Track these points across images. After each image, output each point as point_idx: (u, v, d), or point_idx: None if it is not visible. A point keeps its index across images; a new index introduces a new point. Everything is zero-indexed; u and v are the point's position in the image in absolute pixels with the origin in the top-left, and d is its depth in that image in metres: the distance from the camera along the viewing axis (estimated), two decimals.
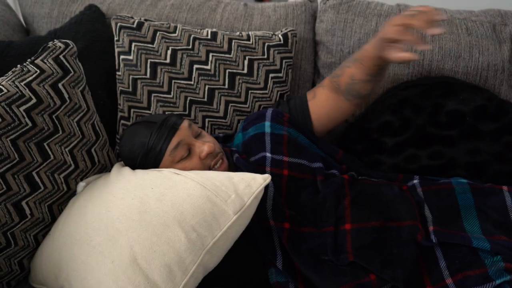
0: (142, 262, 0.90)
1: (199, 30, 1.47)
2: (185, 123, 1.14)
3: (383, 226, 1.10)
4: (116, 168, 1.13)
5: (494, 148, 1.33)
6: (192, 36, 1.44)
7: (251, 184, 0.99)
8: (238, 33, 1.48)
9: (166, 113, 1.40)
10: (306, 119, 1.31)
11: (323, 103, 1.30)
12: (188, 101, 1.41)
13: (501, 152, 1.33)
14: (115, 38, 1.44)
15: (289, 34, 1.47)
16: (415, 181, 1.24)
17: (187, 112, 1.41)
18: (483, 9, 1.55)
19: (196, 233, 0.93)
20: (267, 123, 1.27)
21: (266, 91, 1.44)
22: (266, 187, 1.12)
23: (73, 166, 1.13)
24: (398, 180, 1.27)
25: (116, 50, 1.43)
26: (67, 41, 1.16)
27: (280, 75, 1.45)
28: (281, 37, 1.47)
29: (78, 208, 1.05)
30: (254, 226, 1.09)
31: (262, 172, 1.16)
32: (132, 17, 1.47)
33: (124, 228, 0.94)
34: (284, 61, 1.45)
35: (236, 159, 1.20)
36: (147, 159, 1.11)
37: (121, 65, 1.42)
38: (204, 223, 0.94)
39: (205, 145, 1.12)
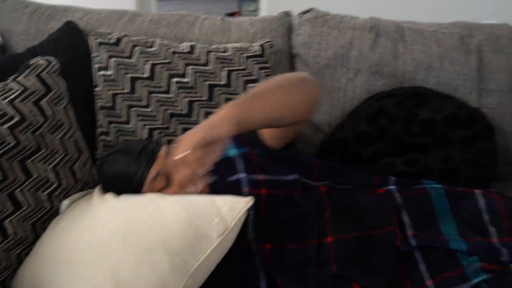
0: (126, 286, 0.90)
1: (177, 44, 1.49)
2: (163, 151, 1.14)
3: (362, 235, 1.13)
4: (98, 190, 1.14)
5: (465, 155, 1.38)
6: (171, 50, 1.46)
7: (234, 207, 0.99)
8: (216, 45, 1.51)
9: (146, 126, 1.42)
10: (253, 135, 1.27)
11: None
12: (167, 114, 1.43)
13: (471, 159, 1.38)
14: (94, 54, 1.45)
15: (266, 45, 1.51)
16: (392, 187, 1.27)
17: (167, 125, 1.43)
18: (451, 21, 1.61)
19: (180, 257, 0.93)
20: (230, 150, 1.24)
21: None
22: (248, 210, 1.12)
23: (56, 183, 1.13)
24: (376, 184, 1.30)
25: (95, 66, 1.44)
26: (49, 58, 1.17)
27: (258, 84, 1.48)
28: (258, 48, 1.50)
29: (61, 230, 1.05)
30: (235, 249, 1.08)
31: (239, 193, 1.15)
32: (110, 33, 1.49)
33: (107, 253, 0.94)
34: (262, 71, 1.49)
35: (216, 181, 1.20)
36: (127, 189, 1.12)
37: (100, 80, 1.43)
38: (188, 247, 0.94)
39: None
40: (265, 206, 1.16)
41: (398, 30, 1.55)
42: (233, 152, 1.24)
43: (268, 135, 1.26)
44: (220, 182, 1.19)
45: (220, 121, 0.95)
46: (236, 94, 1.45)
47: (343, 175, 1.31)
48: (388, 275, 1.08)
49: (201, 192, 1.13)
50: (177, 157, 0.92)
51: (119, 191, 1.12)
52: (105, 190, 1.14)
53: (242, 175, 1.19)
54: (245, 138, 1.26)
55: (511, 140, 1.51)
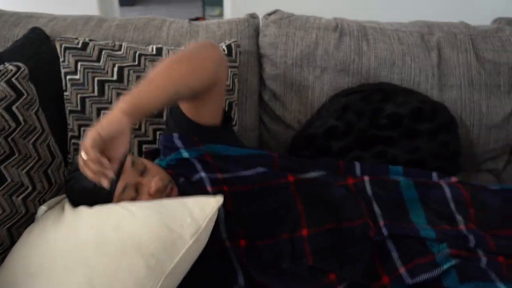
0: None
1: (144, 47, 1.50)
2: (128, 163, 1.11)
3: (336, 227, 1.15)
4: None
5: (430, 146, 1.44)
6: (138, 52, 1.47)
7: (205, 208, 1.00)
8: (183, 47, 1.52)
9: None
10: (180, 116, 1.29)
11: None
12: None
13: (437, 150, 1.44)
14: (61, 59, 1.44)
15: (232, 45, 1.53)
16: (362, 177, 1.28)
17: (137, 126, 1.44)
18: (411, 20, 1.68)
19: (155, 259, 0.94)
20: (183, 151, 1.24)
21: None
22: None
23: (30, 188, 1.12)
24: (341, 170, 1.32)
25: (62, 71, 1.44)
26: (19, 63, 1.16)
27: (227, 83, 1.50)
28: (225, 48, 1.52)
29: (32, 240, 1.03)
30: (210, 249, 1.07)
31: (204, 192, 1.15)
32: (76, 38, 1.48)
33: (82, 259, 0.94)
34: (229, 70, 1.50)
35: (182, 182, 1.19)
36: (95, 203, 1.08)
37: (68, 85, 1.42)
38: (162, 249, 0.95)
39: (153, 182, 1.10)
40: (231, 203, 1.16)
41: (361, 30, 1.60)
42: (186, 154, 1.24)
43: (192, 113, 1.26)
44: (185, 183, 1.19)
45: (115, 115, 0.99)
46: None
47: (304, 165, 1.31)
48: (363, 264, 1.12)
49: (172, 194, 1.14)
50: (80, 162, 0.94)
51: (89, 205, 1.09)
52: (75, 205, 1.11)
53: (203, 174, 1.19)
54: (196, 138, 1.25)
55: (472, 133, 1.58)
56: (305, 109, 1.58)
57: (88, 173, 0.94)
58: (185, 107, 1.27)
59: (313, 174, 1.27)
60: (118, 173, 1.06)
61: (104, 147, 0.95)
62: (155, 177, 1.12)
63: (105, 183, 0.94)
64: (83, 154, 0.92)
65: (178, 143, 1.26)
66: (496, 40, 1.60)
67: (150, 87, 1.07)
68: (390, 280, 1.11)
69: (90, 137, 0.93)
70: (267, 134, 1.65)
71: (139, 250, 0.93)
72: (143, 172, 1.13)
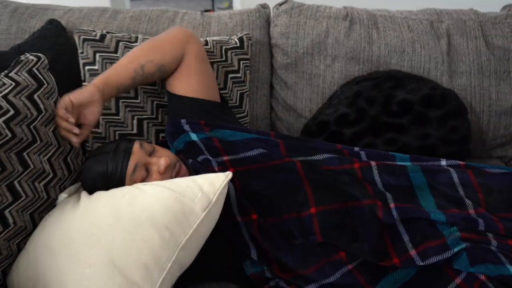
0: (120, 263, 0.94)
1: None
2: (137, 145, 1.18)
3: (345, 207, 1.19)
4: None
5: (440, 132, 1.46)
6: None
7: (214, 182, 1.04)
8: None
9: (135, 117, 1.45)
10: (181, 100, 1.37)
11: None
12: (155, 105, 1.47)
13: (446, 136, 1.46)
14: (79, 51, 1.48)
15: (244, 37, 1.56)
16: (368, 160, 1.31)
17: (155, 116, 1.47)
18: (420, 8, 1.70)
19: (169, 232, 0.98)
20: (191, 134, 1.30)
21: (226, 91, 1.53)
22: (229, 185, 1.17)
23: (52, 175, 1.16)
24: (345, 154, 1.34)
25: (81, 61, 1.47)
26: (39, 54, 1.19)
27: (239, 75, 1.54)
28: (237, 41, 1.55)
29: (52, 223, 1.08)
30: (224, 223, 1.14)
31: (212, 172, 1.19)
32: (94, 30, 1.51)
33: (99, 233, 0.98)
34: (241, 62, 1.54)
35: (192, 163, 1.25)
36: (111, 187, 1.14)
37: (87, 75, 1.46)
38: (176, 222, 0.99)
39: (161, 160, 1.16)
40: (239, 182, 1.21)
41: (371, 18, 1.62)
42: (194, 136, 1.29)
43: (190, 91, 1.36)
44: (194, 163, 1.24)
45: (87, 87, 1.23)
46: (219, 85, 1.50)
47: (310, 146, 1.34)
48: (373, 244, 1.14)
49: (181, 174, 1.19)
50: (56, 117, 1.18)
51: (104, 190, 1.14)
52: (91, 193, 1.16)
53: (209, 156, 1.25)
54: (202, 123, 1.31)
55: (481, 119, 1.60)
56: (316, 97, 1.61)
57: (61, 131, 1.17)
58: (182, 88, 1.36)
59: (318, 157, 1.30)
60: (127, 155, 1.15)
61: (77, 114, 1.19)
62: (164, 156, 1.18)
63: (74, 139, 1.16)
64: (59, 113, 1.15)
65: (185, 127, 1.31)
66: (506, 27, 1.62)
67: (117, 66, 1.30)
68: (401, 261, 1.13)
69: (62, 100, 1.17)
70: (279, 123, 1.68)
71: (153, 223, 0.98)
72: (151, 153, 1.20)
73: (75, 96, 1.17)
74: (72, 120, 1.14)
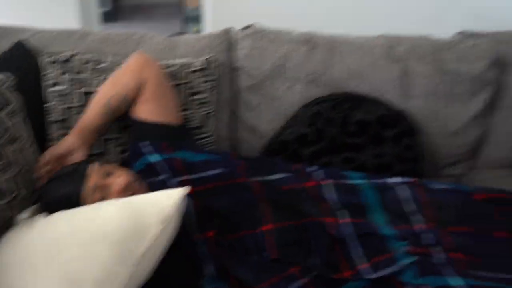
0: (76, 280, 0.96)
1: (123, 60, 1.57)
2: (94, 167, 1.21)
3: (301, 223, 1.24)
4: None
5: (395, 150, 1.53)
6: (116, 66, 1.54)
7: (171, 198, 1.07)
8: (162, 61, 1.60)
9: (101, 137, 1.49)
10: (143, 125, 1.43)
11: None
12: (121, 125, 1.51)
13: (401, 154, 1.54)
14: (45, 72, 1.51)
15: (209, 59, 1.62)
16: (324, 179, 1.38)
17: (120, 135, 1.51)
18: (379, 34, 1.79)
19: (125, 248, 1.00)
20: (152, 155, 1.35)
21: (191, 112, 1.58)
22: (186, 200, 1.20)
23: (15, 193, 1.18)
24: (302, 173, 1.40)
25: (46, 82, 1.50)
26: (6, 73, 1.23)
27: (203, 96, 1.59)
28: (201, 63, 1.61)
29: (9, 241, 1.10)
30: (183, 239, 1.16)
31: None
32: (61, 52, 1.55)
33: (56, 250, 1.01)
34: (206, 83, 1.60)
35: (151, 182, 1.28)
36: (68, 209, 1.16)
37: (52, 96, 1.49)
38: (131, 238, 1.01)
39: (120, 180, 1.19)
40: (198, 201, 1.25)
41: (331, 42, 1.70)
42: (154, 158, 1.34)
43: (153, 114, 1.42)
44: (153, 183, 1.28)
45: (66, 138, 1.38)
46: (182, 106, 1.56)
47: (268, 166, 1.41)
48: (324, 258, 1.20)
49: (140, 192, 1.21)
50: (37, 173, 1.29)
51: None
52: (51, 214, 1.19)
53: (170, 175, 1.29)
54: (165, 144, 1.37)
55: (434, 140, 1.68)
56: (278, 118, 1.67)
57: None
58: (142, 113, 1.42)
59: (276, 176, 1.36)
60: (85, 178, 1.18)
61: (63, 163, 1.33)
62: (123, 175, 1.21)
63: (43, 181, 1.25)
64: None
65: (146, 149, 1.36)
66: (457, 52, 1.71)
67: (88, 109, 1.41)
68: (352, 274, 1.19)
69: (43, 154, 1.33)
70: (243, 143, 1.74)
71: (108, 240, 1.00)
72: (109, 174, 1.22)
73: (54, 148, 1.34)
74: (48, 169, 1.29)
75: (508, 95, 1.75)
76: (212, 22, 2.67)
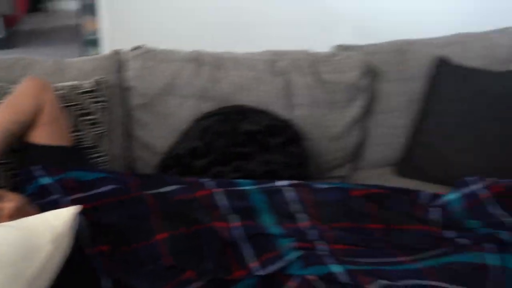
0: None
1: (10, 86, 1.57)
2: None
3: (192, 231, 1.31)
4: None
5: (282, 157, 1.65)
6: (3, 91, 1.54)
7: (62, 216, 1.07)
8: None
9: None
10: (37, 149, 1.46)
11: None
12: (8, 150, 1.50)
13: (287, 161, 1.65)
14: None
15: (98, 80, 1.66)
16: (215, 188, 1.45)
17: (11, 159, 1.50)
18: (261, 50, 1.91)
19: (16, 269, 0.98)
20: (44, 178, 1.36)
21: (82, 133, 1.60)
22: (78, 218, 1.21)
23: None
24: (194, 185, 1.47)
25: None
26: None
27: (94, 117, 1.62)
28: (91, 84, 1.64)
29: None
30: (77, 255, 1.16)
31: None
32: None
33: None
34: (97, 104, 1.63)
35: (43, 204, 1.29)
36: None
37: None
38: (22, 259, 1.00)
39: (10, 204, 1.18)
40: (92, 217, 1.27)
41: (217, 59, 1.80)
42: (46, 180, 1.36)
43: (47, 138, 1.44)
44: (45, 204, 1.29)
45: None
46: (73, 127, 1.58)
47: (161, 180, 1.47)
48: (216, 261, 1.27)
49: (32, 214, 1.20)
50: None
51: None
52: None
53: (62, 195, 1.32)
54: (57, 166, 1.39)
55: (317, 145, 1.82)
56: (171, 135, 1.73)
57: None
58: (37, 137, 1.44)
59: (168, 188, 1.43)
60: None
61: None
62: (12, 200, 1.20)
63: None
64: None
65: (38, 173, 1.37)
66: (334, 64, 1.87)
67: None
68: (243, 274, 1.27)
69: None
70: (137, 161, 1.78)
71: None
72: (0, 199, 1.21)
73: None
74: None
75: (381, 101, 1.95)
76: (110, 45, 2.69)
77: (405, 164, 1.90)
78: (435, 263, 1.27)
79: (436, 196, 1.50)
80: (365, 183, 1.63)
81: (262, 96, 1.78)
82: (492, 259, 1.27)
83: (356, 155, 1.95)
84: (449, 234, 1.39)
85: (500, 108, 1.76)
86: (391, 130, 1.96)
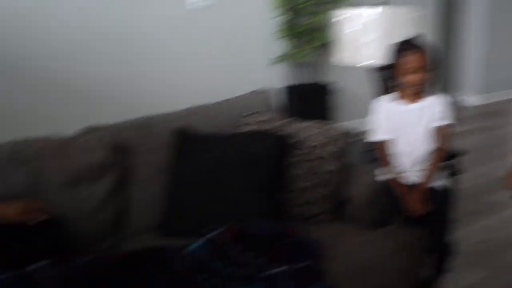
0: None
1: None
2: None
3: None
4: None
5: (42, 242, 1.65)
6: None
7: None
8: None
9: None
10: None
11: None
12: None
13: (48, 244, 1.67)
14: None
15: None
16: None
17: None
18: None
19: None
20: None
21: None
22: None
23: None
24: None
25: None
26: None
27: None
28: None
29: None
30: None
31: None
32: None
33: None
34: None
35: None
36: None
37: None
38: None
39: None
40: None
41: None
42: None
43: None
44: None
45: None
46: None
47: None
48: None
49: None
50: None
51: None
52: None
53: None
54: None
55: (74, 223, 1.85)
56: None
57: None
58: None
59: None
60: None
61: None
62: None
63: None
64: None
65: None
66: (83, 144, 1.96)
67: None
68: None
69: None
70: None
71: None
72: None
73: None
74: None
75: (136, 172, 2.09)
76: None
77: (166, 225, 2.04)
78: None
79: (184, 246, 1.67)
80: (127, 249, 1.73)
81: (7, 187, 1.77)
82: None
83: (121, 224, 2.02)
84: (199, 278, 1.56)
85: (227, 163, 2.06)
86: (149, 198, 2.09)
